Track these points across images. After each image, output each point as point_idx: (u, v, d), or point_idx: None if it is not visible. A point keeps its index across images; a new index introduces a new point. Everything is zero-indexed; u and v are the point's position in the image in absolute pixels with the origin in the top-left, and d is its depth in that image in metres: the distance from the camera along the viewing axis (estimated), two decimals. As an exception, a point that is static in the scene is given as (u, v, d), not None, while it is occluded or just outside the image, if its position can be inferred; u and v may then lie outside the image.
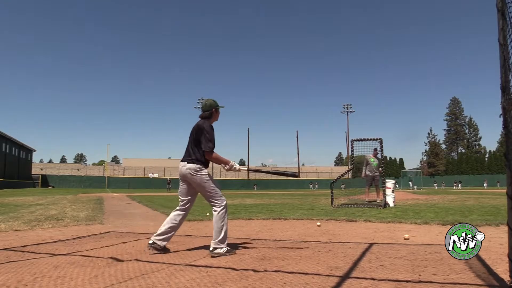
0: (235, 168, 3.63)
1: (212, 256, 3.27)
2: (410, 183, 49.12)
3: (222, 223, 3.38)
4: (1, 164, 45.65)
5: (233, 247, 3.68)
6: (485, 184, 53.18)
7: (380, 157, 10.60)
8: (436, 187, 51.69)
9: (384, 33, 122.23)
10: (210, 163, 3.58)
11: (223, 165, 3.62)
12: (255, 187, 58.58)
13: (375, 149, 10.73)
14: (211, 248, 3.34)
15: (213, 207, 3.45)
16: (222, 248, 3.34)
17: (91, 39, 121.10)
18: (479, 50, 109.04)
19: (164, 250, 3.52)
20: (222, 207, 3.43)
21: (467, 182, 59.71)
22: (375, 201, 10.31)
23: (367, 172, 10.83)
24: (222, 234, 3.36)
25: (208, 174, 3.52)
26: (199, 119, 3.63)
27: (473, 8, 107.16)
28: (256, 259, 3.20)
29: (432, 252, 3.38)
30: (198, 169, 3.45)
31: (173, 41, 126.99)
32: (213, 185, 3.48)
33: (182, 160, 3.55)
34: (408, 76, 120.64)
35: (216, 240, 3.33)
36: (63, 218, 7.00)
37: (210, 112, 3.61)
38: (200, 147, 3.48)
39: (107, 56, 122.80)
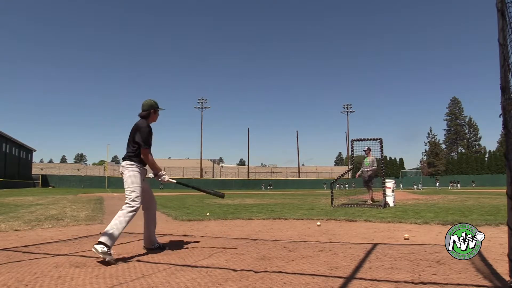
0: (163, 179, 3.64)
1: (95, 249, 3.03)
2: (415, 186, 48.63)
3: (121, 224, 3.22)
4: (1, 164, 45.65)
5: (234, 247, 3.69)
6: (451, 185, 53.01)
7: (372, 156, 10.65)
8: (438, 187, 51.00)
9: (384, 33, 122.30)
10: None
11: (153, 172, 3.65)
12: (270, 187, 59.13)
13: (366, 149, 10.79)
14: (98, 240, 3.09)
15: (125, 204, 3.34)
16: (104, 248, 3.02)
17: (91, 40, 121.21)
18: (479, 50, 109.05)
19: (161, 248, 3.67)
20: (131, 209, 3.31)
21: (466, 182, 59.78)
22: (366, 201, 10.34)
23: (364, 172, 10.85)
24: (116, 234, 3.16)
25: (139, 173, 3.46)
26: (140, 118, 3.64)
27: (472, 8, 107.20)
28: (256, 259, 3.20)
29: (432, 252, 3.39)
30: (129, 164, 3.46)
31: (173, 41, 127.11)
32: (136, 184, 3.40)
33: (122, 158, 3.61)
34: (408, 76, 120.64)
35: (105, 236, 3.10)
36: (63, 218, 7.00)
37: (148, 112, 3.61)
38: (134, 145, 3.50)
39: (107, 56, 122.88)
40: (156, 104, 3.69)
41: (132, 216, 3.33)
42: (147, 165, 3.57)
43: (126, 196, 3.38)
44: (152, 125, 3.65)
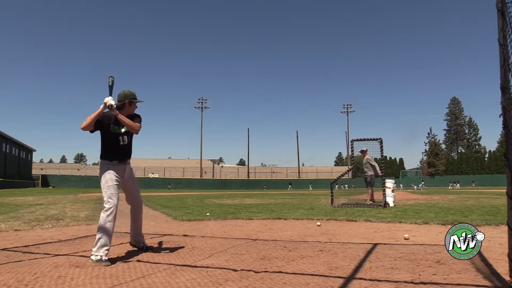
0: (108, 105, 3.18)
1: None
2: (415, 186, 48.28)
3: (106, 228, 3.11)
4: (1, 164, 45.66)
5: (234, 247, 3.68)
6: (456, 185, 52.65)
7: (369, 156, 10.63)
8: (451, 188, 49.64)
9: (385, 33, 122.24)
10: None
11: (105, 111, 3.22)
12: (265, 187, 59.80)
13: (362, 150, 10.77)
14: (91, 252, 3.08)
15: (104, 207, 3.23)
16: (96, 256, 3.03)
17: (91, 40, 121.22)
18: (479, 50, 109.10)
19: (146, 249, 3.63)
20: (107, 212, 3.15)
21: (466, 182, 59.82)
22: (367, 201, 10.33)
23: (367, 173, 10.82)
24: (99, 241, 3.07)
25: (107, 170, 3.28)
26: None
27: (472, 8, 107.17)
28: (256, 259, 3.20)
29: (432, 252, 3.39)
30: (100, 164, 3.37)
31: (173, 41, 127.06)
32: (107, 183, 3.24)
33: None
34: (408, 76, 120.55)
35: (95, 247, 3.07)
36: (63, 218, 7.00)
37: (122, 103, 3.37)
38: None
39: (107, 56, 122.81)
40: (133, 95, 3.43)
41: (113, 216, 3.17)
42: (127, 159, 3.45)
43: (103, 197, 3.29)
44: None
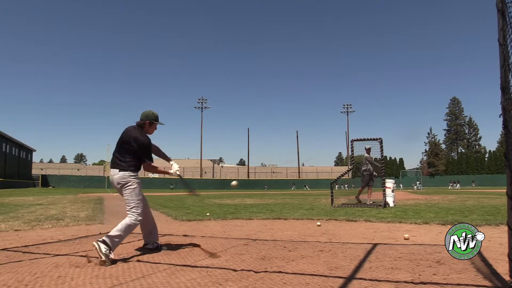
0: (173, 168, 3.65)
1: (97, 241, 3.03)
2: (415, 186, 48.03)
3: (125, 232, 3.23)
4: (1, 164, 45.65)
5: (234, 247, 3.68)
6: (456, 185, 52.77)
7: (370, 156, 10.60)
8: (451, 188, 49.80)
9: (384, 33, 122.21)
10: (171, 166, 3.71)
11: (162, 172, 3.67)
12: (266, 187, 59.85)
13: (367, 148, 10.73)
14: (101, 239, 3.06)
15: (130, 217, 3.32)
16: (107, 250, 3.00)
17: (91, 40, 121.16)
18: (479, 50, 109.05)
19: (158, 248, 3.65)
20: (136, 222, 3.32)
21: (466, 182, 59.83)
22: (368, 201, 10.28)
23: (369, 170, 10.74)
24: (119, 240, 3.17)
25: (138, 182, 3.43)
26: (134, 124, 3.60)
27: (472, 8, 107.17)
28: (256, 259, 3.20)
29: (432, 252, 3.39)
30: (132, 176, 3.40)
31: (173, 41, 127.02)
32: (141, 197, 3.42)
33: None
34: (408, 76, 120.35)
35: (108, 239, 3.07)
36: (63, 218, 7.00)
37: (143, 122, 3.52)
38: (133, 155, 3.43)
39: (107, 56, 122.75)
40: (154, 116, 3.54)
41: (135, 227, 3.35)
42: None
43: (131, 208, 3.33)
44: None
